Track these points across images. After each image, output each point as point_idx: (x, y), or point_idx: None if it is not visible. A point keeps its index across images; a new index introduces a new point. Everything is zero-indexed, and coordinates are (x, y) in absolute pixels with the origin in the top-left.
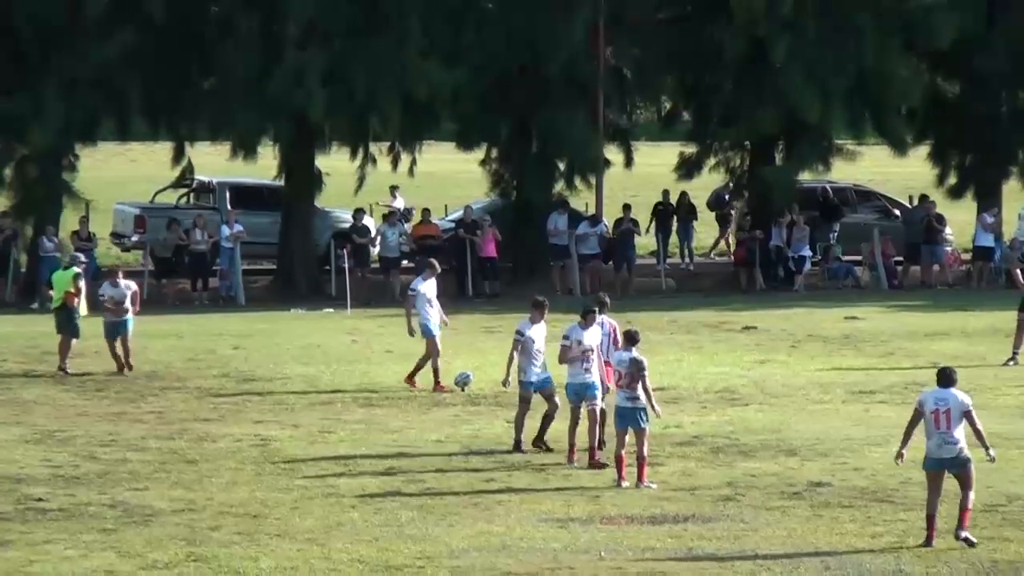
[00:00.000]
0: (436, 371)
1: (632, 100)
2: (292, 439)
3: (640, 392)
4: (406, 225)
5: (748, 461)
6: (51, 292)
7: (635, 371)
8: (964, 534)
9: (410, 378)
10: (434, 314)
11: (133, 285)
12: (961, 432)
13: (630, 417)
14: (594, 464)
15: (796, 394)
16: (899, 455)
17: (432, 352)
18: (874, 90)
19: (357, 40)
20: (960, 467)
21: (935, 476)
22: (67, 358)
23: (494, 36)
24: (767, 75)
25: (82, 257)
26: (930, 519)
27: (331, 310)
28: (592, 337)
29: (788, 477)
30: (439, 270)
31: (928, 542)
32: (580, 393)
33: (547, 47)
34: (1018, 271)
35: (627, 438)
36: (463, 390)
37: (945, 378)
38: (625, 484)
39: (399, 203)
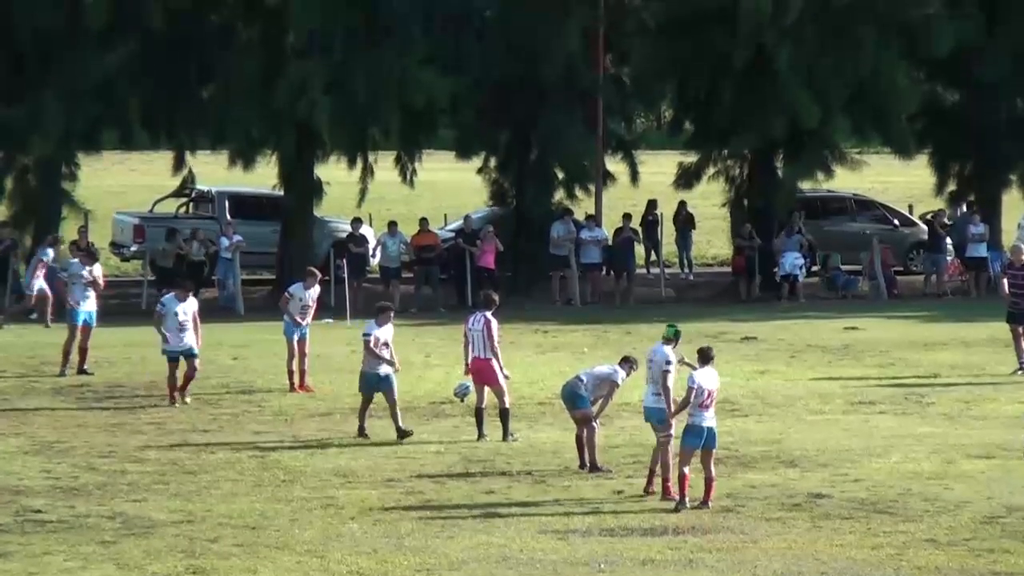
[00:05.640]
0: (290, 373)
1: (632, 108)
2: (291, 450)
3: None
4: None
5: (747, 472)
6: None
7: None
8: None
9: (302, 385)
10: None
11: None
12: None
13: (710, 437)
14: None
15: (795, 404)
16: None
17: (290, 354)
18: (874, 98)
19: (357, 50)
20: None
21: None
22: None
23: (494, 45)
24: (768, 83)
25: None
26: None
27: (331, 320)
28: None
29: (788, 488)
30: (319, 277)
31: None
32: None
33: (546, 55)
34: (1004, 281)
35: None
36: (462, 401)
37: None
38: (689, 503)
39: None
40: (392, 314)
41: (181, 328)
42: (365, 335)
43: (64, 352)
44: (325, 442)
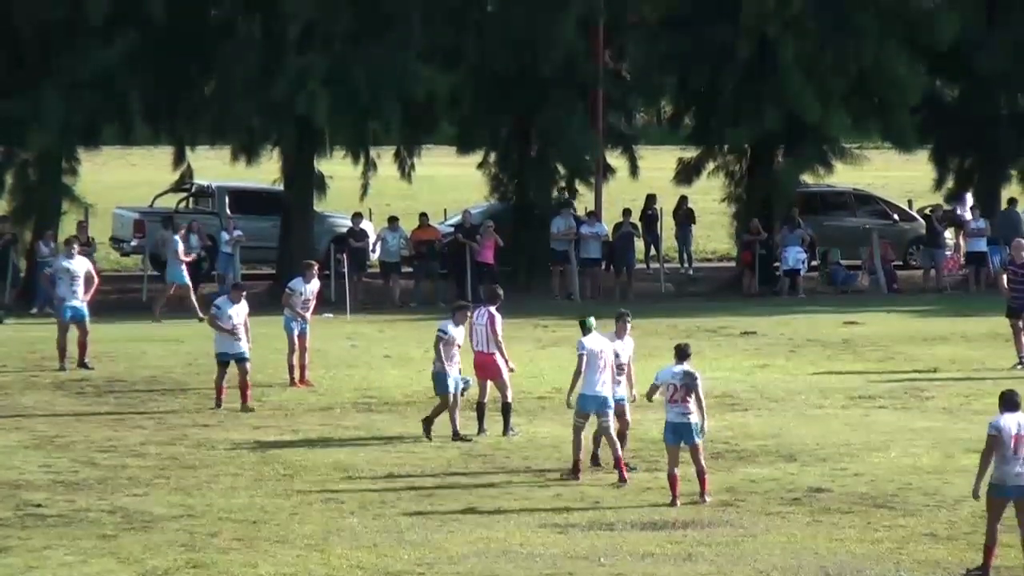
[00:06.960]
0: (291, 368)
1: (632, 103)
2: (291, 445)
3: (692, 406)
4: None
5: (747, 466)
6: None
7: (689, 384)
8: None
9: (302, 380)
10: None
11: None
12: None
13: (684, 432)
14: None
15: (795, 399)
16: (976, 494)
17: (290, 348)
18: (875, 89)
19: (357, 43)
20: None
21: (1001, 504)
22: None
23: (494, 38)
24: (768, 76)
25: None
26: (989, 550)
27: (331, 315)
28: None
29: (787, 482)
30: (316, 267)
31: (984, 572)
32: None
33: (546, 48)
34: (1004, 278)
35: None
36: (462, 395)
37: (1011, 403)
38: (679, 503)
39: None
40: (468, 313)
41: (233, 331)
42: (441, 331)
43: (59, 348)
44: (325, 437)
